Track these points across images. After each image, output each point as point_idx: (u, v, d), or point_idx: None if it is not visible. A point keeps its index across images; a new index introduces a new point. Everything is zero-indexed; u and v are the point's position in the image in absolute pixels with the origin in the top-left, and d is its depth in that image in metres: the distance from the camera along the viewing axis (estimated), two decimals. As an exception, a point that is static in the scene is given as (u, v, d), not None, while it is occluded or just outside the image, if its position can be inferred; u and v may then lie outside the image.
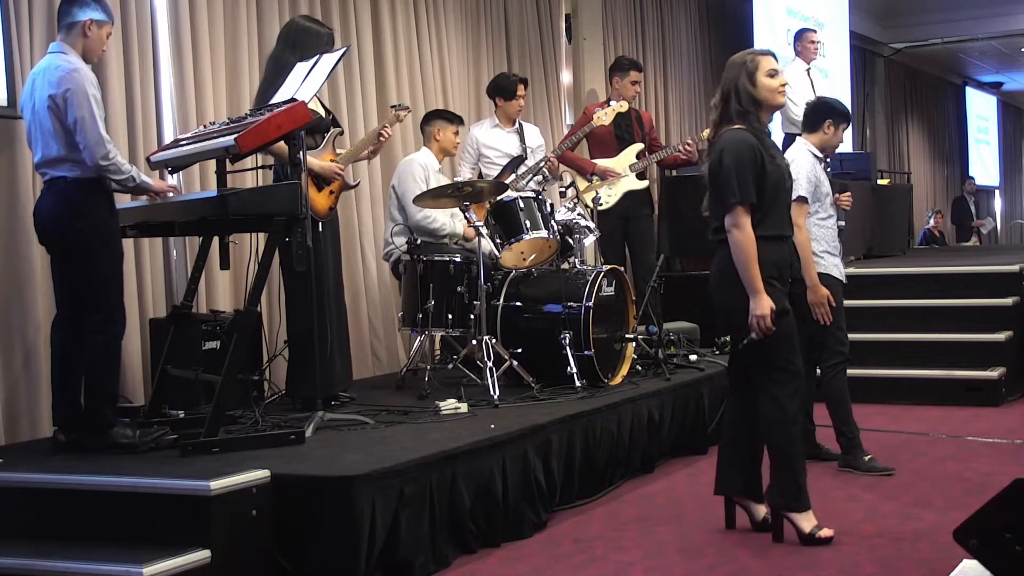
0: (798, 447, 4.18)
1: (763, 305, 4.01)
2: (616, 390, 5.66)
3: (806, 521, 4.16)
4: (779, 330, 4.06)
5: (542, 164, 6.65)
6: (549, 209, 5.98)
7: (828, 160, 5.50)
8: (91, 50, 4.40)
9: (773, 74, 4.20)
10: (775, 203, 4.13)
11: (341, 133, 5.55)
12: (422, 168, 6.31)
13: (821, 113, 5.39)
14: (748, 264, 4.03)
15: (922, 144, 17.69)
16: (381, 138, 5.54)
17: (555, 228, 5.94)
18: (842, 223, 5.58)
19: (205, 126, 4.95)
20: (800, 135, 5.47)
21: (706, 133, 4.49)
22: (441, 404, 5.10)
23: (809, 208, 5.22)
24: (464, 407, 5.10)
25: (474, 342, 5.68)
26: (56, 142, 4.28)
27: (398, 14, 7.34)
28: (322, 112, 5.34)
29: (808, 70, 8.72)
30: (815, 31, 9.12)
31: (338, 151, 5.38)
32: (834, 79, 11.80)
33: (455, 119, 6.61)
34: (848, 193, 5.68)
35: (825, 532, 4.16)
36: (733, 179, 4.04)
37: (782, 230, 4.17)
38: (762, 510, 4.33)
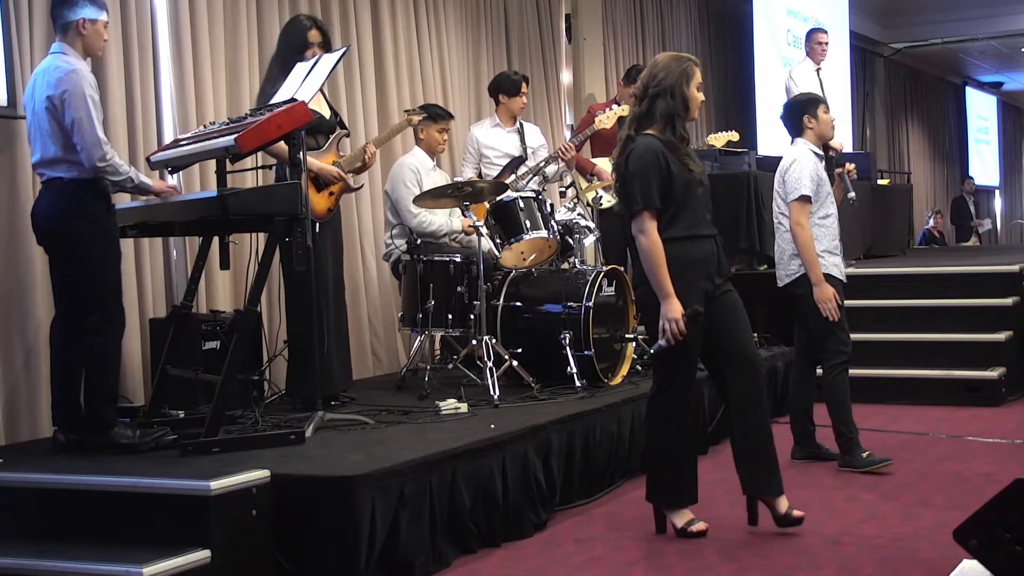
0: (666, 452, 4.29)
1: (674, 309, 4.04)
2: (616, 390, 5.67)
3: (679, 518, 4.28)
4: (686, 343, 4.08)
5: (542, 164, 6.65)
6: (549, 209, 5.98)
7: (836, 158, 5.50)
8: (91, 46, 4.40)
9: (700, 88, 4.25)
10: (685, 206, 4.15)
11: (347, 135, 5.54)
12: (413, 172, 6.29)
13: (796, 112, 5.42)
14: (655, 269, 4.07)
15: (922, 144, 17.69)
16: (366, 158, 5.44)
17: (555, 228, 5.94)
18: (852, 194, 5.55)
19: (205, 126, 4.95)
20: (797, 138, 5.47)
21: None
22: (441, 404, 5.10)
23: (811, 207, 5.23)
24: (464, 407, 5.10)
25: (474, 342, 5.68)
26: (54, 143, 4.28)
27: (398, 14, 7.34)
28: (326, 112, 5.34)
29: (818, 71, 8.70)
30: (824, 31, 9.06)
31: (341, 153, 5.38)
32: (834, 79, 11.80)
33: (440, 116, 6.48)
34: (852, 165, 5.70)
35: (698, 527, 4.26)
36: (636, 186, 4.11)
37: (697, 230, 4.18)
38: (783, 503, 4.29)
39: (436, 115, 6.48)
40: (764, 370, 4.53)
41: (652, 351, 4.16)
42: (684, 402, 4.29)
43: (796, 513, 4.28)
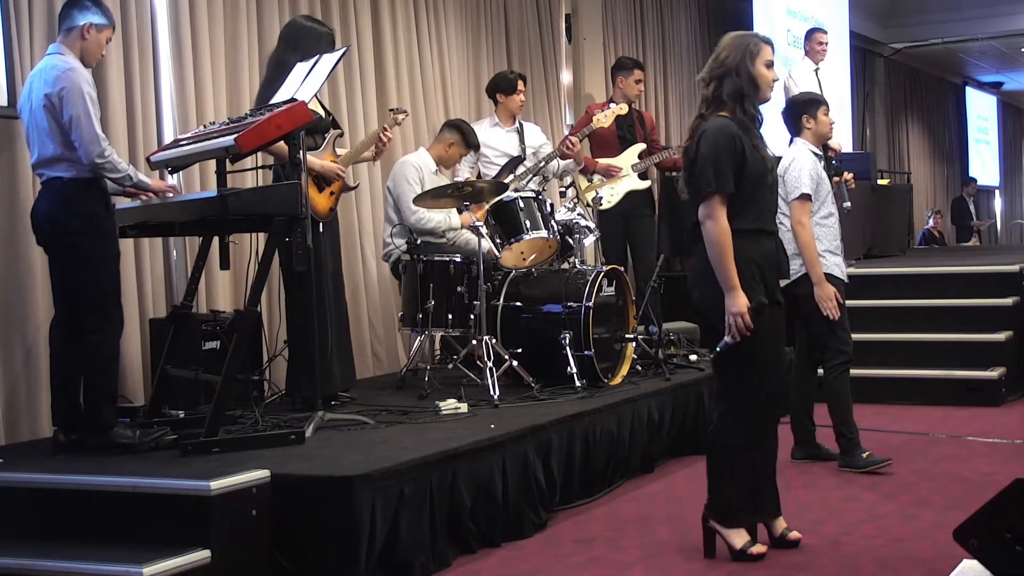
0: (738, 467, 3.99)
1: (739, 302, 3.79)
2: (616, 390, 5.66)
3: (737, 537, 3.99)
4: (760, 339, 3.84)
5: (542, 164, 6.65)
6: (549, 209, 5.98)
7: (835, 161, 5.52)
8: (89, 53, 4.39)
9: (770, 65, 4.02)
10: (754, 196, 3.92)
11: (341, 135, 5.55)
12: (416, 169, 6.29)
13: (795, 112, 5.41)
14: (722, 257, 3.82)
15: (922, 144, 17.68)
16: (382, 141, 5.52)
17: (555, 228, 5.94)
18: (847, 204, 5.59)
19: (205, 126, 4.95)
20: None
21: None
22: (441, 404, 5.09)
23: (812, 206, 5.24)
24: (464, 407, 5.10)
25: (474, 342, 5.68)
26: (52, 141, 4.28)
27: (398, 14, 7.34)
28: (322, 113, 5.34)
29: (816, 71, 8.69)
30: (824, 31, 9.03)
31: (338, 152, 5.39)
32: (834, 79, 11.79)
33: (473, 146, 6.51)
34: (850, 175, 5.73)
35: (757, 549, 3.98)
36: (709, 168, 3.85)
37: (763, 224, 3.96)
38: (780, 525, 4.16)
39: (471, 144, 6.50)
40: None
41: (717, 349, 3.89)
42: (773, 414, 3.96)
43: (792, 535, 4.12)
